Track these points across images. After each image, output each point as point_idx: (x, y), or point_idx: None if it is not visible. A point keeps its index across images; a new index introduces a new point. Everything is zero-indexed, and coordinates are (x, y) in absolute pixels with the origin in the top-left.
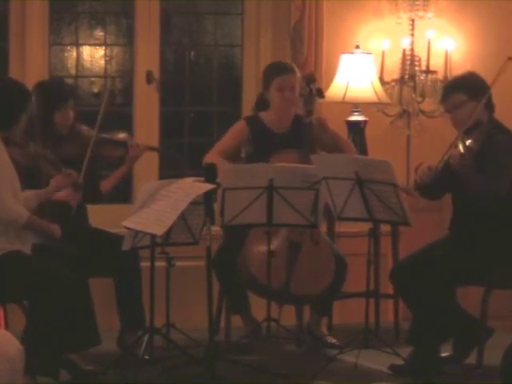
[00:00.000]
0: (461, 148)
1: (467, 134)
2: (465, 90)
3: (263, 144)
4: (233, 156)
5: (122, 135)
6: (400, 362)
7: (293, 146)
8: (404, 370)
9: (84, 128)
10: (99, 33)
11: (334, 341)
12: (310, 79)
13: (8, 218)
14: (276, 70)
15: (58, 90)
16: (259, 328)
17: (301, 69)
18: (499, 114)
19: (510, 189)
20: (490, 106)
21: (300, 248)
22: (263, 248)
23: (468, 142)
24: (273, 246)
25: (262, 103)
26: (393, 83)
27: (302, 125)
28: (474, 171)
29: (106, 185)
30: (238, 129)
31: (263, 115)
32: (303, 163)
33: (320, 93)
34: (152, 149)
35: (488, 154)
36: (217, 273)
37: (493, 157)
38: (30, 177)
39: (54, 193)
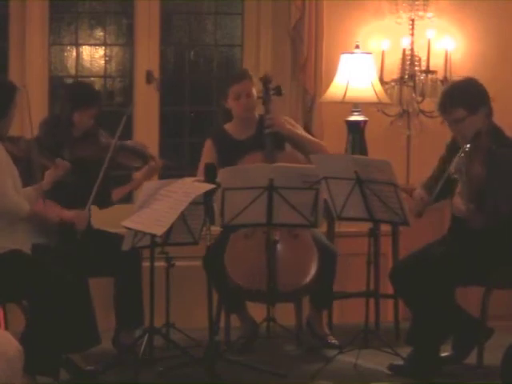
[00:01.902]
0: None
1: (469, 158)
2: (465, 104)
3: (230, 154)
4: None
5: (141, 146)
6: (400, 362)
7: (260, 148)
8: (403, 369)
9: (102, 133)
10: (99, 33)
11: (334, 341)
12: (266, 80)
13: (10, 210)
14: (231, 79)
15: (83, 92)
16: (256, 328)
17: (301, 69)
18: (495, 115)
19: None
20: (488, 112)
21: (277, 244)
22: (241, 255)
23: (473, 174)
24: (247, 247)
25: (227, 114)
26: (393, 83)
27: (263, 129)
28: (478, 218)
29: (118, 193)
30: (207, 148)
31: (228, 126)
32: (269, 163)
33: (279, 90)
34: (168, 165)
35: (491, 170)
36: (207, 274)
37: (496, 173)
38: (26, 171)
39: (49, 185)
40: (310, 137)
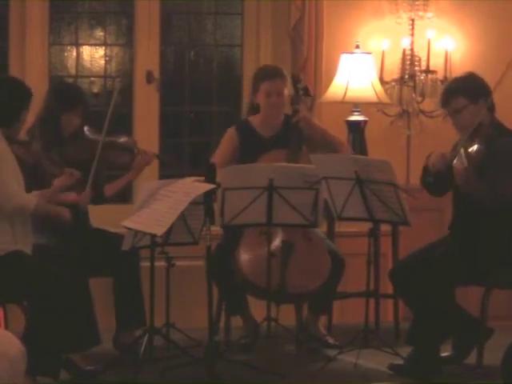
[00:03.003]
0: (465, 161)
1: (470, 138)
2: (465, 93)
3: (252, 148)
4: (233, 163)
5: (129, 141)
6: (400, 361)
7: (283, 146)
8: (403, 369)
9: (89, 131)
10: (99, 33)
11: (331, 341)
12: (296, 79)
13: (15, 207)
14: (264, 75)
15: (69, 94)
16: (258, 328)
17: (301, 69)
18: (499, 114)
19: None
20: (490, 107)
21: (293, 247)
22: (256, 250)
23: (471, 150)
24: (262, 244)
25: (254, 107)
26: (393, 83)
27: (290, 126)
28: (477, 184)
29: (110, 189)
30: (229, 136)
31: (253, 119)
32: (291, 163)
33: (306, 91)
34: (159, 158)
35: (491, 157)
36: (213, 274)
37: (496, 160)
38: (33, 176)
39: (57, 193)
40: (332, 134)
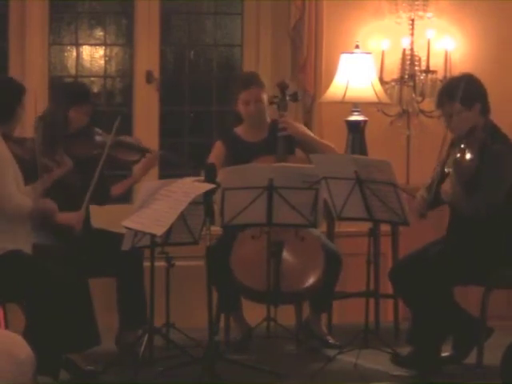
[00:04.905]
0: (450, 166)
1: (459, 143)
2: (461, 99)
3: (241, 156)
4: None
5: (138, 141)
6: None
7: (271, 152)
8: (405, 361)
9: (97, 131)
10: (99, 33)
11: (332, 341)
12: (283, 86)
13: (13, 211)
14: (240, 84)
15: (79, 90)
16: (250, 331)
17: (301, 69)
18: (495, 114)
19: (507, 193)
20: (484, 109)
21: (282, 246)
22: (248, 254)
23: (457, 156)
24: (254, 248)
25: (238, 117)
26: (392, 83)
27: (276, 132)
28: (465, 200)
29: (117, 189)
30: (216, 150)
31: (238, 129)
32: None
33: (295, 96)
34: (165, 156)
35: (484, 166)
36: (208, 270)
37: (489, 169)
38: (29, 171)
39: (49, 184)
40: (321, 140)
